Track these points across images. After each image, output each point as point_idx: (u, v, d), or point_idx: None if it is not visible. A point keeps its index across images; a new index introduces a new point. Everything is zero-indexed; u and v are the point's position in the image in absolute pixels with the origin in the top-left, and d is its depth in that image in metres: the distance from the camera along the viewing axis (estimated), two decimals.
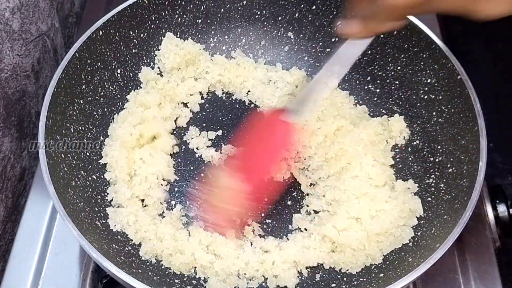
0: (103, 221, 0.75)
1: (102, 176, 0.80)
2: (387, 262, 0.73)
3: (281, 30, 0.94)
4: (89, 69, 0.81)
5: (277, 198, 0.80)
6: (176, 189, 0.82)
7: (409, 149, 0.84)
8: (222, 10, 0.92)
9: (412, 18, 0.81)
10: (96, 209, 0.76)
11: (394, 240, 0.74)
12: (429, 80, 0.81)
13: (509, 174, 1.23)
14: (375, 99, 0.89)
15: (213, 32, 0.94)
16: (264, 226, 0.78)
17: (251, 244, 0.76)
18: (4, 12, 0.81)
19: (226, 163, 0.81)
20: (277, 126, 0.77)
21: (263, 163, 0.78)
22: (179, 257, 0.73)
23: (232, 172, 0.77)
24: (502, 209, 0.80)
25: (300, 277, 0.74)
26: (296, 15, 0.92)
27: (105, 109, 0.85)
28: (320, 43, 0.92)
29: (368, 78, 0.89)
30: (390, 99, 0.87)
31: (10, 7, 0.82)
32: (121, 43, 0.85)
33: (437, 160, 0.79)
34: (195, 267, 0.74)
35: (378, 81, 0.89)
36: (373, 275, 0.72)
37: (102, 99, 0.84)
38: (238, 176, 0.76)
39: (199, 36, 0.93)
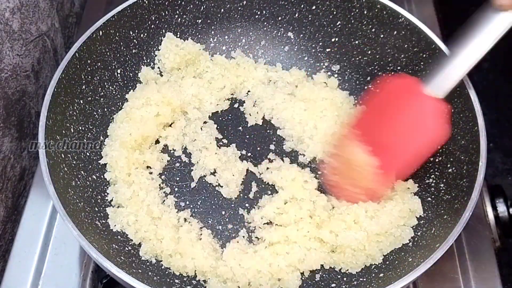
0: (103, 221, 0.76)
1: (102, 176, 0.80)
2: (387, 262, 0.73)
3: (281, 30, 0.94)
4: (89, 69, 0.81)
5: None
6: (176, 189, 0.82)
7: None
8: (222, 10, 0.92)
9: (412, 18, 0.81)
10: (96, 209, 0.76)
11: (394, 240, 0.74)
12: None
13: (509, 173, 1.23)
14: None
15: (213, 32, 0.94)
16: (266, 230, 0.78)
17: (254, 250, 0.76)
18: (4, 12, 0.81)
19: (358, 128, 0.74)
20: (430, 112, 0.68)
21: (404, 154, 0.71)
22: (179, 259, 0.73)
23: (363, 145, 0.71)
24: (502, 209, 0.80)
25: (301, 278, 0.74)
26: (296, 15, 0.92)
27: (105, 109, 0.85)
28: (320, 43, 0.92)
29: (368, 78, 0.89)
30: None
31: (10, 7, 0.82)
32: (121, 43, 0.85)
33: (437, 160, 0.79)
34: (195, 270, 0.74)
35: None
36: (373, 275, 0.72)
37: (102, 99, 0.84)
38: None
39: (199, 36, 0.93)
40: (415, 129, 0.71)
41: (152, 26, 0.88)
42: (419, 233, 0.74)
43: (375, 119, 0.75)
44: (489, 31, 0.64)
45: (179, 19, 0.90)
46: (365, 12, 0.86)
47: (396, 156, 0.72)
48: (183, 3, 0.88)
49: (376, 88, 0.74)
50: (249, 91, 0.91)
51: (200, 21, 0.92)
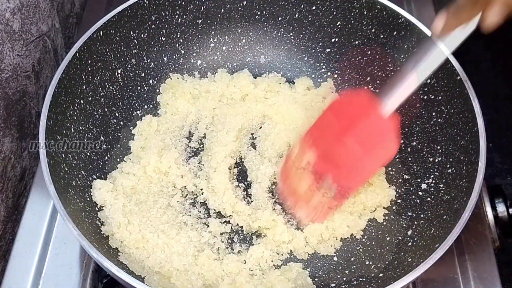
0: (103, 220, 0.76)
1: (102, 176, 0.81)
2: (386, 262, 0.73)
3: (281, 30, 0.94)
4: (89, 69, 0.82)
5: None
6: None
7: (409, 150, 0.84)
8: (222, 10, 0.92)
9: (411, 18, 0.81)
10: (97, 209, 0.76)
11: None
12: (428, 81, 0.81)
13: (508, 174, 1.23)
14: None
15: (213, 32, 0.94)
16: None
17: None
18: (4, 12, 0.81)
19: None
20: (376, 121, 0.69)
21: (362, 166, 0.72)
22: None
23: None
24: (501, 209, 0.80)
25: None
26: (296, 15, 0.92)
27: (106, 109, 0.85)
28: (320, 43, 0.93)
29: (368, 78, 0.90)
30: None
31: (10, 7, 0.82)
32: (122, 43, 0.85)
33: (436, 160, 0.79)
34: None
35: (378, 81, 0.89)
36: (373, 275, 0.72)
37: (102, 99, 0.84)
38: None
39: (199, 36, 0.93)
40: (370, 148, 0.71)
41: (153, 26, 0.88)
42: (418, 233, 0.74)
43: (329, 136, 0.74)
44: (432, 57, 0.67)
45: (179, 19, 0.90)
46: (365, 12, 0.86)
47: (351, 172, 0.73)
48: (183, 3, 0.89)
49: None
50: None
51: (200, 21, 0.92)
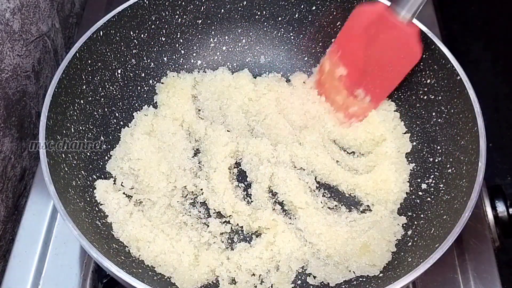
0: (103, 220, 0.76)
1: (102, 176, 0.81)
2: (386, 262, 0.73)
3: (281, 30, 0.94)
4: (89, 69, 0.82)
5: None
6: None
7: (409, 150, 0.84)
8: (222, 10, 0.92)
9: None
10: (97, 209, 0.76)
11: None
12: (428, 81, 0.81)
13: (508, 174, 1.23)
14: None
15: (213, 32, 0.94)
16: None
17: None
18: (4, 12, 0.81)
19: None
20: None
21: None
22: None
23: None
24: (501, 209, 0.80)
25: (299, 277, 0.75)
26: (296, 15, 0.92)
27: (106, 109, 0.85)
28: (320, 43, 0.93)
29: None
30: (390, 99, 0.88)
31: (10, 7, 0.83)
32: (122, 44, 0.86)
33: (436, 160, 0.79)
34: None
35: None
36: (373, 275, 0.72)
37: (102, 99, 0.84)
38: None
39: (199, 36, 0.93)
40: (394, 56, 0.77)
41: (153, 26, 0.88)
42: (418, 233, 0.74)
43: (354, 49, 0.80)
44: None
45: (179, 20, 0.90)
46: None
47: (380, 81, 0.80)
48: (183, 3, 0.89)
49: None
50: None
51: (200, 21, 0.92)
